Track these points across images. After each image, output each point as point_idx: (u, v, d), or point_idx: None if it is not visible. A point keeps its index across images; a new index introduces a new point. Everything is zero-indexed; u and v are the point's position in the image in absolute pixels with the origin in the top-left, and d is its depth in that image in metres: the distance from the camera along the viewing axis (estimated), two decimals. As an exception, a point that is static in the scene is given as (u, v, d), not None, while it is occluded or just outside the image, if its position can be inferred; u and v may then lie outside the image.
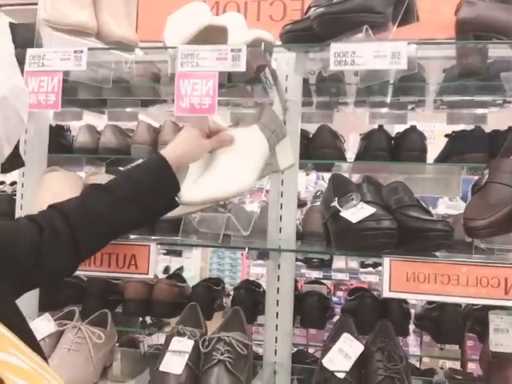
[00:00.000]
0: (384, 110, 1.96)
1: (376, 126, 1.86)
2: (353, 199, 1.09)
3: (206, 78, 1.11)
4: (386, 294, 0.99)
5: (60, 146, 1.96)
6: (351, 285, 3.77)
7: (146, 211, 1.00)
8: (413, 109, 1.83)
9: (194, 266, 4.99)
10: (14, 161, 1.42)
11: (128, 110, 2.12)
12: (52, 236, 0.87)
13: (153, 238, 1.29)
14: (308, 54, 1.34)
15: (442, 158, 1.82)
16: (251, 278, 3.60)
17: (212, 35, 1.18)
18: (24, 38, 1.41)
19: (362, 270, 3.85)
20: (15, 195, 1.76)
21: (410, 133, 1.70)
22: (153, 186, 0.99)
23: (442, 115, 1.96)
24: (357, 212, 1.06)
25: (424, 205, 1.13)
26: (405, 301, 1.73)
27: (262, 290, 1.90)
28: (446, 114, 1.93)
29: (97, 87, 1.72)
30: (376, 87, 1.77)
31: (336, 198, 1.12)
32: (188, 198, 1.06)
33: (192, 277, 4.02)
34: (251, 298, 1.83)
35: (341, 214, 1.08)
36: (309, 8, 1.27)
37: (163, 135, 1.83)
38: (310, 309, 1.69)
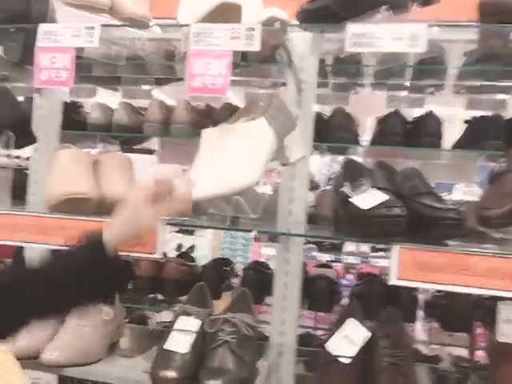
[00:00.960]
0: (402, 94, 1.92)
1: (393, 110, 1.83)
2: (363, 185, 1.08)
3: (218, 58, 1.09)
4: (394, 281, 0.98)
5: (74, 122, 1.96)
6: (361, 268, 3.78)
7: (76, 300, 0.91)
8: (432, 93, 1.79)
9: (206, 244, 5.02)
10: (27, 137, 1.43)
11: (142, 87, 2.11)
12: None
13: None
14: (324, 35, 1.31)
15: (460, 144, 1.78)
16: (261, 259, 3.61)
17: (226, 13, 1.16)
18: (39, 12, 1.40)
19: (372, 254, 3.84)
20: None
21: (426, 118, 1.66)
22: (88, 277, 0.89)
23: (460, 100, 1.92)
24: (367, 198, 1.04)
25: (437, 192, 1.11)
26: (415, 288, 1.72)
27: (270, 271, 1.91)
28: (465, 99, 1.88)
29: (111, 64, 1.71)
30: (394, 69, 1.73)
31: (347, 183, 1.10)
32: (192, 195, 1.06)
33: (204, 255, 4.05)
34: (260, 279, 1.84)
35: (351, 199, 1.06)
36: (326, -14, 1.23)
37: (176, 114, 1.82)
38: (318, 292, 1.69)
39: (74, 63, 1.17)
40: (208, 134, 1.26)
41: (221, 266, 1.90)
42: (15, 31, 1.47)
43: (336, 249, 3.75)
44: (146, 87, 2.15)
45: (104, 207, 1.24)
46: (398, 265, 0.98)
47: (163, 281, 1.85)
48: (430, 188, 1.13)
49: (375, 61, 1.77)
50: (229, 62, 1.09)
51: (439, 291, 1.73)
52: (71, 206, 1.18)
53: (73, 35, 1.15)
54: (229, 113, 1.82)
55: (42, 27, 1.18)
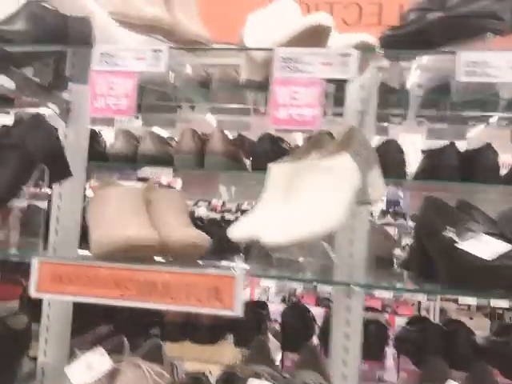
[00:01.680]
0: (442, 125, 1.85)
1: (433, 141, 1.75)
2: (471, 230, 0.96)
3: (307, 86, 0.97)
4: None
5: (94, 152, 1.79)
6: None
7: None
8: (486, 125, 1.71)
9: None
10: (62, 171, 1.26)
11: (165, 114, 1.97)
12: None
13: (239, 266, 1.13)
14: (400, 63, 1.22)
15: (508, 179, 1.70)
16: (259, 290, 3.46)
17: (308, 37, 1.04)
18: (77, 31, 1.26)
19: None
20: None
21: (484, 151, 1.58)
22: None
23: (504, 133, 1.86)
24: (481, 246, 0.92)
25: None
26: (472, 332, 1.61)
27: (310, 314, 1.76)
28: (510, 132, 1.82)
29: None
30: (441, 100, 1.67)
31: (450, 228, 0.98)
32: (270, 240, 0.91)
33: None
34: (301, 324, 1.69)
35: (460, 247, 0.94)
36: (409, 12, 1.13)
37: (212, 145, 1.68)
38: (371, 340, 1.55)
39: (135, 90, 1.02)
40: (278, 171, 1.12)
41: (256, 310, 1.75)
42: (48, 53, 1.32)
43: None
44: (167, 114, 2.03)
45: (164, 253, 1.08)
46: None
47: (195, 326, 1.68)
48: (538, 232, 1.02)
49: (422, 91, 1.71)
50: (321, 91, 0.96)
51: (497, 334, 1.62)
52: (126, 253, 1.01)
53: (137, 58, 1.00)
54: (269, 144, 1.70)
55: (99, 49, 1.03)
